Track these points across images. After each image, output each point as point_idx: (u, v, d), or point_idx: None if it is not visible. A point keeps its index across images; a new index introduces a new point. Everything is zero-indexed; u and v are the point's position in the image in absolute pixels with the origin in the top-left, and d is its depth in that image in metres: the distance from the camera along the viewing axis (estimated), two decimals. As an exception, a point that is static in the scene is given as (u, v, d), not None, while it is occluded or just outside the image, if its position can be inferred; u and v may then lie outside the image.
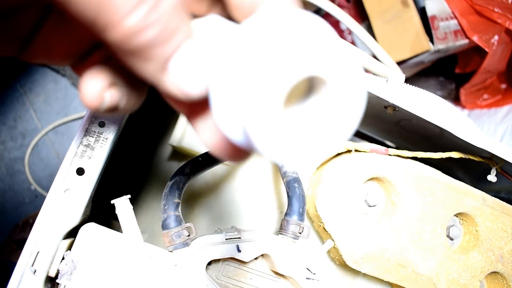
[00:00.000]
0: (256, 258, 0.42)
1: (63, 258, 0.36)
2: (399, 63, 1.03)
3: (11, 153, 1.22)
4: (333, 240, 0.45)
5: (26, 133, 1.23)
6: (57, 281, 0.36)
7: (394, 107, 0.46)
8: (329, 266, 0.52)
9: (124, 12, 0.17)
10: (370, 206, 0.48)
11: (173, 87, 0.19)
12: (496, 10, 0.93)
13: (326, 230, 0.46)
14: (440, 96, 0.50)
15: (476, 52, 1.02)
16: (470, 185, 0.51)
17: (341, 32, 1.10)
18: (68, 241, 0.38)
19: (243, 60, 0.15)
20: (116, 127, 0.38)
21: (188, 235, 0.38)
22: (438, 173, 0.50)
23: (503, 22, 0.93)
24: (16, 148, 1.22)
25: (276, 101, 0.14)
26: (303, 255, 0.41)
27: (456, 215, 0.50)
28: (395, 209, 0.47)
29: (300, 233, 0.42)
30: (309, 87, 0.17)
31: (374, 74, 0.49)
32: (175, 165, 0.59)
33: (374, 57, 0.51)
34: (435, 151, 0.48)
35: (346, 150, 0.49)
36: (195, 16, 0.24)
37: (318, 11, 0.82)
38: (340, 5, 1.11)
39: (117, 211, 0.38)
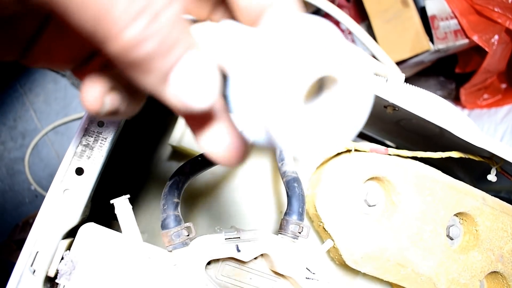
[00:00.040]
0: (255, 258, 0.42)
1: (62, 258, 0.36)
2: (399, 63, 1.03)
3: (11, 153, 1.22)
4: (332, 240, 0.45)
5: (26, 133, 1.23)
6: (56, 281, 0.36)
7: (394, 107, 0.46)
8: (328, 266, 0.52)
9: (123, 24, 0.16)
10: (370, 205, 0.48)
11: (174, 100, 0.19)
12: (496, 9, 0.93)
13: (325, 230, 0.46)
14: (440, 96, 0.50)
15: (476, 52, 1.02)
16: (470, 184, 0.51)
17: (341, 32, 1.10)
18: (67, 241, 0.37)
19: (266, 62, 0.16)
20: (115, 127, 0.38)
21: (188, 235, 0.38)
22: (438, 172, 0.50)
23: (503, 21, 0.93)
24: (16, 148, 1.22)
25: (297, 97, 0.16)
26: (303, 255, 0.41)
27: (456, 215, 0.50)
28: (395, 209, 0.47)
29: (299, 232, 0.42)
30: (319, 86, 0.18)
31: (374, 74, 0.49)
32: (175, 165, 0.59)
33: (374, 57, 0.51)
34: (435, 151, 0.48)
35: (346, 149, 0.49)
36: (195, 21, 0.24)
37: (317, 11, 0.82)
38: (340, 5, 1.11)
39: (116, 211, 0.38)
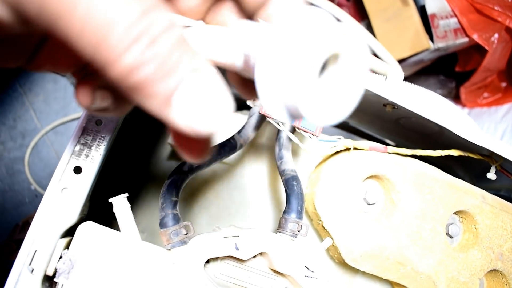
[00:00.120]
0: (254, 256, 0.42)
1: (60, 257, 0.36)
2: (399, 62, 1.03)
3: (11, 153, 1.22)
4: (332, 238, 0.45)
5: (26, 133, 1.23)
6: (55, 280, 0.36)
7: (393, 105, 0.46)
8: (328, 264, 0.52)
9: (120, 51, 0.17)
10: (369, 204, 0.48)
11: (179, 123, 0.19)
12: (496, 8, 0.93)
13: (324, 228, 0.46)
14: (440, 94, 0.50)
15: (476, 51, 1.02)
16: (470, 183, 0.50)
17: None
18: (66, 240, 0.37)
19: (286, 48, 0.19)
20: (113, 125, 0.38)
21: (186, 234, 0.38)
22: (438, 171, 0.49)
23: (503, 20, 0.92)
24: (16, 148, 1.23)
25: (314, 72, 0.19)
26: (302, 253, 0.41)
27: (455, 213, 0.50)
28: (394, 207, 0.47)
29: (298, 231, 0.42)
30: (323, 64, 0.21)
31: (373, 72, 0.49)
32: (174, 164, 0.59)
33: (374, 54, 0.51)
34: (435, 149, 0.48)
35: (345, 148, 0.49)
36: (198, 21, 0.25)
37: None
38: (340, 4, 1.11)
39: (114, 210, 0.38)
